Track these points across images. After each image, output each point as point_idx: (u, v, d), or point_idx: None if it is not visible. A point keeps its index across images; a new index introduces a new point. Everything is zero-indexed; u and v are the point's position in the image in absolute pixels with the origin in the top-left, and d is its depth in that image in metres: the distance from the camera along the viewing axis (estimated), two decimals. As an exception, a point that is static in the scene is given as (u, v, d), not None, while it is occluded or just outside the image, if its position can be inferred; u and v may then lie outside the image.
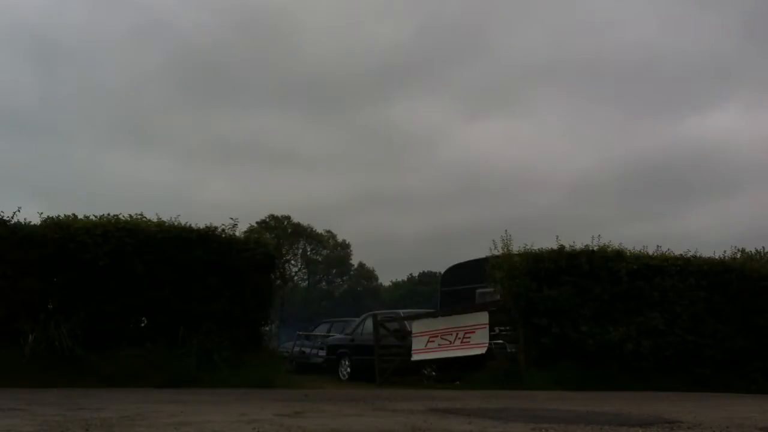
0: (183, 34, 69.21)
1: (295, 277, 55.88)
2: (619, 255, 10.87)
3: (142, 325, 9.49)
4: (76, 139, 69.38)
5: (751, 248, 13.45)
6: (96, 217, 9.36)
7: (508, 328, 11.30)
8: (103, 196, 47.29)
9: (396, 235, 68.75)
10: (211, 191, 65.64)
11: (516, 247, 10.95)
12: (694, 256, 11.33)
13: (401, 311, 15.72)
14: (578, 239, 11.10)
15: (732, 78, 69.41)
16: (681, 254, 11.32)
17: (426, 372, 11.80)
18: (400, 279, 62.55)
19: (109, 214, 9.41)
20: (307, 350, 17.70)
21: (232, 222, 10.02)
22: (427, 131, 74.39)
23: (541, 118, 74.40)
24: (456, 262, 17.03)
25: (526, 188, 72.55)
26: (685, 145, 68.02)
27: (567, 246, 10.89)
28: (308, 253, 57.54)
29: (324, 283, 59.95)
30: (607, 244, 11.06)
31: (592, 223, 59.07)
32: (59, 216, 9.30)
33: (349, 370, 14.20)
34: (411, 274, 61.96)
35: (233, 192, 66.54)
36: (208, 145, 71.64)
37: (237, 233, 10.03)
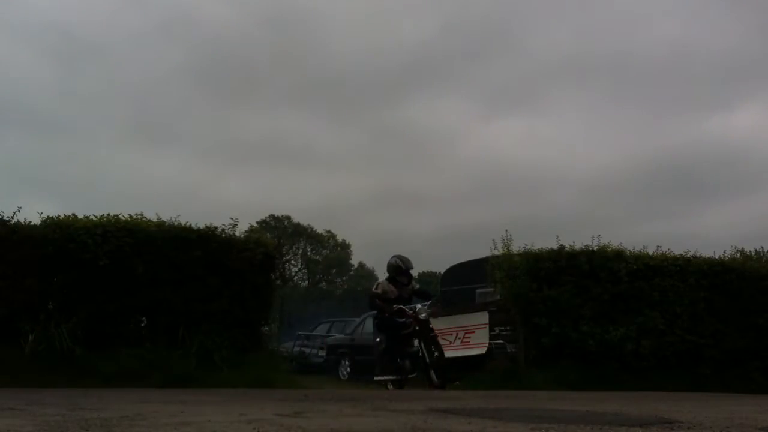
0: (209, 30, 69.23)
1: (295, 277, 55.94)
2: (619, 255, 10.87)
3: (142, 325, 9.49)
4: (95, 137, 69.53)
5: (755, 247, 13.45)
6: (96, 217, 9.37)
7: (508, 328, 11.30)
8: (119, 195, 47.59)
9: (403, 236, 68.73)
10: (226, 190, 65.75)
11: (516, 247, 10.97)
12: (694, 256, 11.33)
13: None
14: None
15: (757, 77, 69.28)
16: (681, 254, 11.32)
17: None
18: (400, 279, 62.41)
19: (109, 214, 9.42)
20: (307, 350, 17.72)
21: (232, 222, 10.05)
22: (446, 130, 74.49)
23: (562, 116, 74.36)
24: (456, 262, 17.04)
25: (544, 187, 72.45)
26: (708, 144, 67.91)
27: (567, 246, 10.90)
28: (308, 253, 57.59)
29: (324, 283, 59.98)
30: (607, 244, 11.07)
31: (611, 222, 58.93)
32: (59, 216, 9.31)
33: (349, 370, 14.22)
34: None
35: (248, 191, 66.63)
36: (226, 143, 71.71)
37: (237, 233, 10.05)
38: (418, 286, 9.67)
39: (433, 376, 8.60)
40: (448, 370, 8.64)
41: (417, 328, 8.76)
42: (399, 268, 9.42)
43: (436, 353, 8.68)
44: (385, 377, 9.25)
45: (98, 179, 62.78)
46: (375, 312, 10.91)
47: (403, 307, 8.96)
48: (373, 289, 9.48)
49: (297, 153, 72.27)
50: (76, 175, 65.65)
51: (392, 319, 9.04)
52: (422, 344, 8.66)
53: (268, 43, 72.90)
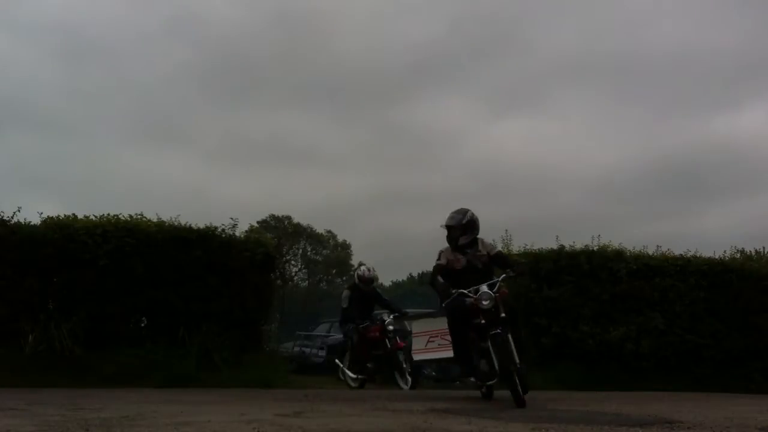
0: (213, 30, 69.21)
1: (295, 277, 55.95)
2: (619, 255, 10.87)
3: (142, 325, 9.49)
4: (99, 136, 69.52)
5: (755, 247, 13.42)
6: (96, 217, 9.38)
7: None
8: (121, 195, 47.63)
9: (404, 236, 68.63)
10: (229, 190, 65.67)
11: (516, 247, 10.98)
12: (694, 256, 11.33)
13: (401, 311, 15.67)
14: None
15: (763, 76, 69.14)
16: (681, 254, 11.33)
17: (426, 372, 11.79)
18: (400, 279, 62.57)
19: (109, 214, 9.43)
20: (307, 350, 17.70)
21: (232, 222, 10.05)
22: (450, 130, 74.39)
23: (566, 116, 74.29)
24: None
25: (548, 187, 72.26)
26: (713, 143, 67.82)
27: (567, 246, 10.91)
28: (308, 253, 57.58)
29: (324, 283, 59.96)
30: (607, 244, 11.07)
31: (615, 222, 58.85)
32: (59, 216, 9.32)
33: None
34: (411, 274, 61.99)
35: (251, 191, 66.62)
36: (230, 143, 71.62)
37: (237, 233, 10.05)
38: (497, 249, 7.01)
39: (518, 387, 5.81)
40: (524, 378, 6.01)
41: (482, 321, 6.10)
42: (448, 229, 6.66)
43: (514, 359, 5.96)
44: (470, 378, 6.67)
45: (101, 179, 62.80)
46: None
47: (465, 291, 6.23)
48: (436, 261, 6.70)
49: (300, 153, 72.27)
50: (79, 175, 65.72)
51: (458, 302, 6.31)
52: (489, 343, 6.10)
53: (274, 42, 72.99)
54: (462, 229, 6.61)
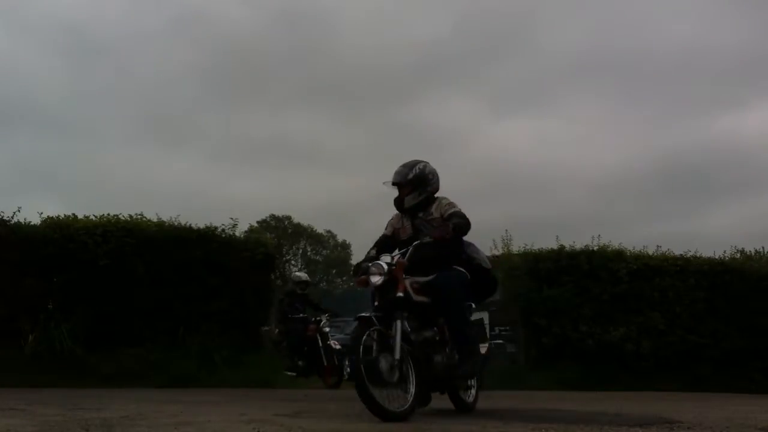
0: (217, 29, 68.98)
1: (296, 278, 55.91)
2: (619, 255, 10.89)
3: (142, 325, 9.49)
4: (102, 136, 69.29)
5: (755, 247, 13.43)
6: (96, 217, 9.39)
7: (508, 328, 11.31)
8: (123, 195, 47.52)
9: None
10: (231, 190, 65.49)
11: (516, 247, 10.99)
12: (694, 256, 11.36)
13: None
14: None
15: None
16: (681, 254, 11.34)
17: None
18: (399, 279, 62.50)
19: (109, 214, 9.44)
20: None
21: (232, 222, 10.06)
22: (455, 129, 74.10)
23: (571, 115, 73.92)
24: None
25: (553, 187, 71.95)
26: (717, 144, 67.55)
27: (567, 246, 10.92)
28: (308, 253, 57.61)
29: (324, 284, 59.99)
30: (607, 243, 11.09)
31: (620, 222, 58.56)
32: (59, 216, 9.33)
33: (349, 370, 14.21)
34: (411, 274, 61.99)
35: (253, 191, 66.47)
36: (233, 143, 71.36)
37: (237, 233, 10.06)
38: (454, 209, 4.76)
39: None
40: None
41: (375, 302, 4.55)
42: (398, 188, 4.95)
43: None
44: None
45: (102, 179, 62.65)
46: None
47: (382, 263, 4.51)
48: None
49: (301, 152, 72.08)
50: (79, 175, 65.61)
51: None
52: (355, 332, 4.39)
53: (276, 41, 72.80)
54: (410, 186, 4.86)
